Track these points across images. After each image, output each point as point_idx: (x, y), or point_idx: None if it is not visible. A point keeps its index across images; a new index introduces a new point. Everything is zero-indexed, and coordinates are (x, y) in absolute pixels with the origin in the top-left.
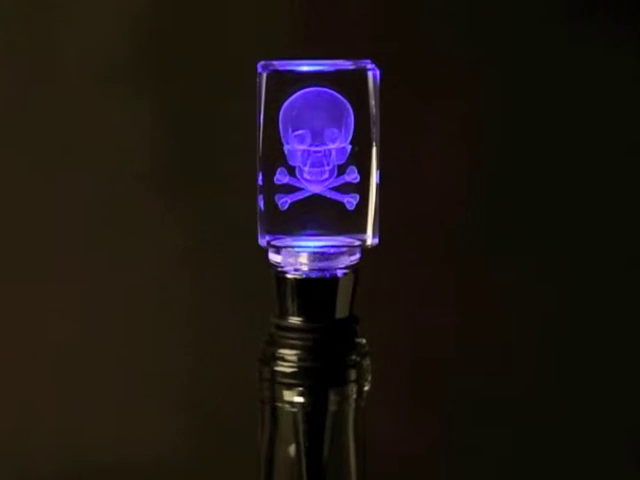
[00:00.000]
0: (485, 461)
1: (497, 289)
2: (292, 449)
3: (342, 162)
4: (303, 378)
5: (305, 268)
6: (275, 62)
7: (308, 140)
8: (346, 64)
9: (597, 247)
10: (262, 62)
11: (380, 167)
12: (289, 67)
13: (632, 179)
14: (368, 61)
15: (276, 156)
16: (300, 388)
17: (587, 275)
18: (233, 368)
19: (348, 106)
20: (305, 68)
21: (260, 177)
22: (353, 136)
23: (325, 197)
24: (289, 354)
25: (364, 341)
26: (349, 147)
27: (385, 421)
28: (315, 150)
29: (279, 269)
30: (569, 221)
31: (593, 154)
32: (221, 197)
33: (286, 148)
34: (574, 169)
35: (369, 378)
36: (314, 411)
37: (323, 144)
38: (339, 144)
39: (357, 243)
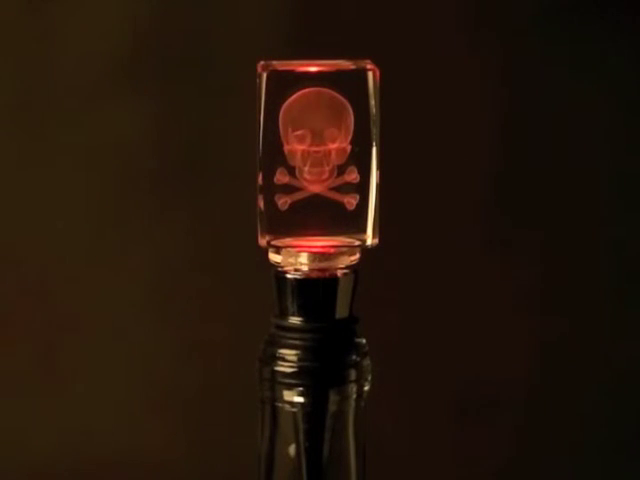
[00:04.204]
0: (485, 461)
1: (497, 289)
2: (292, 449)
3: (342, 162)
4: (303, 378)
5: (305, 268)
6: (275, 62)
7: (308, 140)
8: (346, 64)
9: (599, 252)
10: (262, 62)
11: (380, 167)
12: (289, 67)
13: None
14: (368, 61)
15: (276, 156)
16: (300, 388)
17: (591, 282)
18: (233, 368)
19: (348, 106)
20: (305, 68)
21: (260, 177)
22: (353, 136)
23: (325, 197)
24: (289, 354)
25: (364, 341)
26: (349, 147)
27: (385, 421)
28: (315, 150)
29: (279, 269)
30: (569, 222)
31: (594, 156)
32: (221, 197)
33: (286, 148)
34: (575, 170)
35: (369, 378)
36: (314, 411)
37: (323, 144)
38: (339, 144)
39: (357, 243)
